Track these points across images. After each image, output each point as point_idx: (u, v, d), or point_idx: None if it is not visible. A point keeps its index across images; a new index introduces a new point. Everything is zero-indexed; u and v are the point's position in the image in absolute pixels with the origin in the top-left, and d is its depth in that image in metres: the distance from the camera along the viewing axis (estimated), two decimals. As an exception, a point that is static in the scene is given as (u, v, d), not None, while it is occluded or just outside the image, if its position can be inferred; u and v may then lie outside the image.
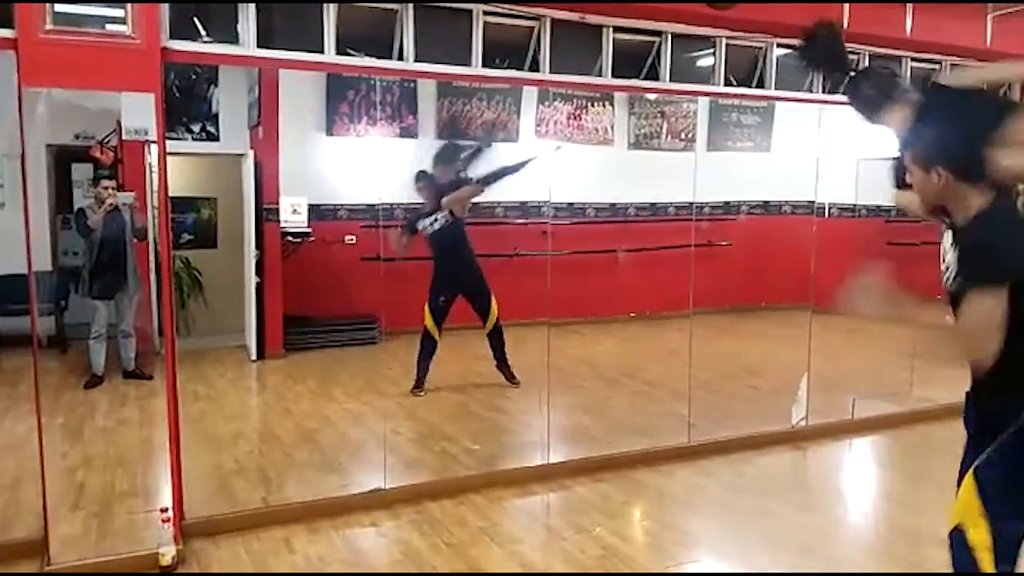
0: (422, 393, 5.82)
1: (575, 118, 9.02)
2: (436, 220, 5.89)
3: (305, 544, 3.57)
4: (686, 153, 9.42)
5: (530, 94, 8.50)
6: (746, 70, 5.12)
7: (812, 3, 4.72)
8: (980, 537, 2.21)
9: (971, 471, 2.27)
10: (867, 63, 4.75)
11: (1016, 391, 2.20)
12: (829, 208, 9.07)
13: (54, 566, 3.25)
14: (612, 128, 9.28)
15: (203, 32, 3.72)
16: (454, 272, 5.93)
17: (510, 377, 6.05)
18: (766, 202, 10.05)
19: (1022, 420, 2.17)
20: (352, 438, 5.12)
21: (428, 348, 5.88)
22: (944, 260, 2.34)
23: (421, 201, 6.10)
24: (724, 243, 9.12)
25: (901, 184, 2.44)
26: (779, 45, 5.10)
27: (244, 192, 7.26)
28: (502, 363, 6.07)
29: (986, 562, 2.20)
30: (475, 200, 6.21)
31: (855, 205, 9.15)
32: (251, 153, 7.18)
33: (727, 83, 5.01)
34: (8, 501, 3.91)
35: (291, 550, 3.52)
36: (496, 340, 6.06)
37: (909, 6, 5.02)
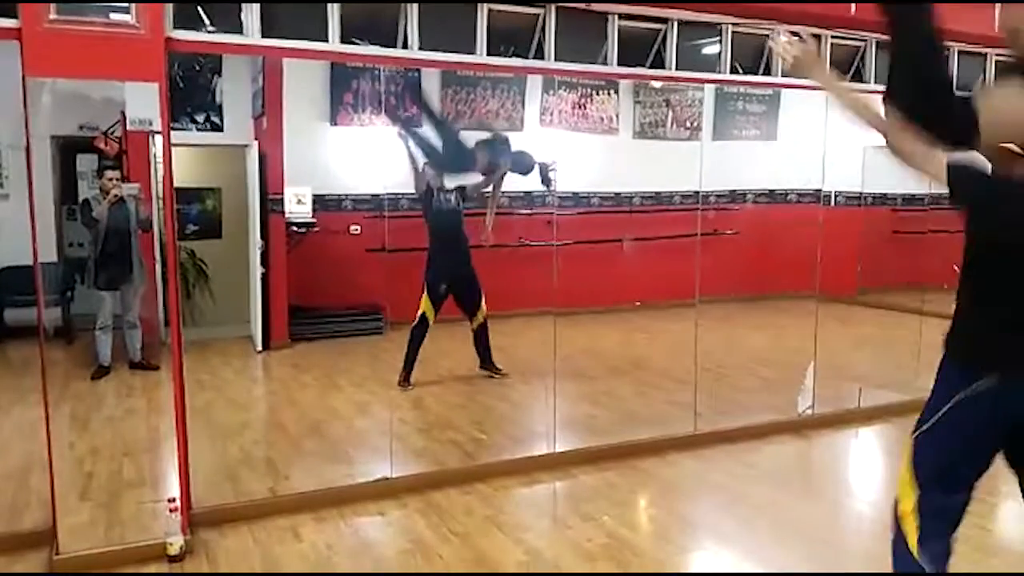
0: (411, 386, 5.78)
1: (580, 107, 8.99)
2: (450, 199, 5.89)
3: (312, 533, 3.58)
4: (692, 142, 9.39)
5: (535, 82, 8.47)
6: (752, 58, 5.09)
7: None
8: (907, 506, 2.29)
9: (911, 442, 2.34)
10: None
11: (961, 355, 2.23)
12: (835, 196, 9.06)
13: (62, 555, 3.26)
14: (617, 117, 9.25)
15: (207, 21, 3.71)
16: (452, 262, 5.88)
17: (496, 371, 6.07)
18: (772, 191, 10.02)
19: (963, 395, 2.18)
20: (358, 428, 5.12)
21: (419, 337, 5.80)
22: None
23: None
24: (730, 232, 9.09)
25: None
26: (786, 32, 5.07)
27: (249, 183, 7.25)
28: (486, 362, 6.08)
29: (911, 531, 2.26)
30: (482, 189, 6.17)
31: (861, 193, 9.12)
32: (255, 143, 7.17)
33: (733, 71, 4.98)
34: (16, 491, 3.92)
35: (298, 539, 3.53)
36: (483, 338, 6.04)
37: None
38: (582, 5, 4.45)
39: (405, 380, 5.80)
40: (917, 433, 2.33)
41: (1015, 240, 2.11)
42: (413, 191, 6.14)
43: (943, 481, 2.27)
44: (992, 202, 2.15)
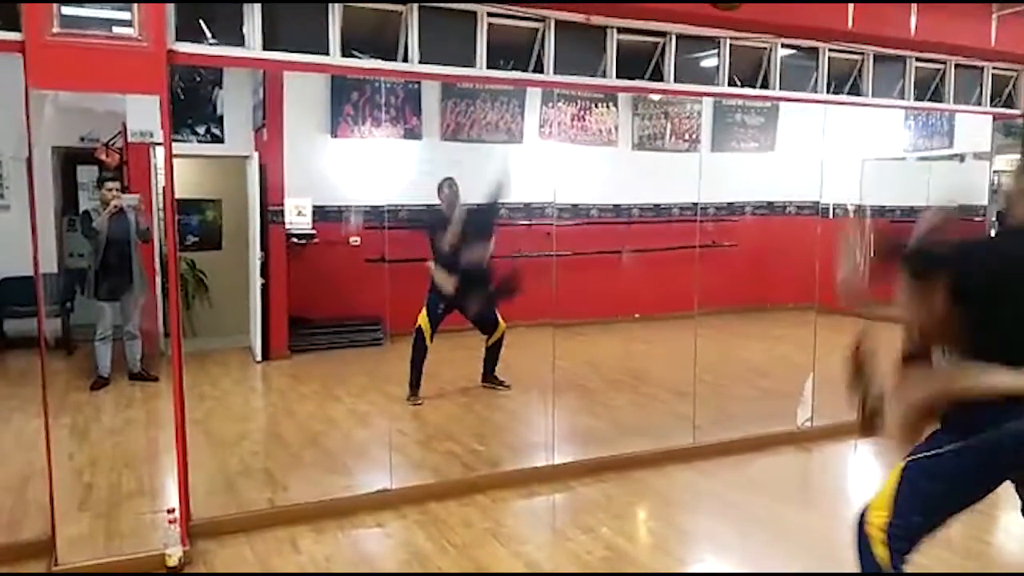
0: (420, 401, 5.73)
1: (579, 119, 9.02)
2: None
3: (311, 545, 3.58)
4: (690, 154, 9.41)
5: (534, 95, 8.50)
6: (750, 70, 5.11)
7: (817, 3, 4.74)
8: (879, 520, 2.35)
9: (903, 465, 2.36)
10: None
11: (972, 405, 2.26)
12: (834, 208, 9.06)
13: (61, 567, 3.26)
14: (616, 129, 9.28)
15: (208, 34, 3.73)
16: (464, 283, 5.85)
17: (499, 383, 6.05)
18: (770, 203, 10.04)
19: (965, 442, 2.22)
20: (357, 439, 5.12)
21: (420, 352, 5.77)
22: None
23: (428, 203, 6.07)
24: (728, 244, 9.09)
25: None
26: (783, 45, 5.10)
27: (249, 194, 7.27)
28: (489, 375, 6.06)
29: (880, 551, 2.34)
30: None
31: (860, 205, 9.14)
32: (256, 155, 7.19)
33: (731, 83, 5.00)
34: (16, 502, 3.92)
35: (297, 551, 3.52)
36: (494, 354, 6.03)
37: (914, 6, 5.01)
38: (582, 18, 4.48)
39: (413, 395, 5.75)
40: (913, 459, 2.35)
41: (1005, 288, 2.23)
42: (412, 202, 6.09)
43: (927, 511, 2.31)
44: (970, 258, 2.34)
